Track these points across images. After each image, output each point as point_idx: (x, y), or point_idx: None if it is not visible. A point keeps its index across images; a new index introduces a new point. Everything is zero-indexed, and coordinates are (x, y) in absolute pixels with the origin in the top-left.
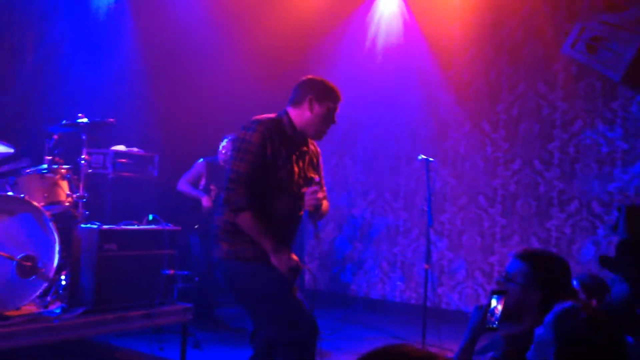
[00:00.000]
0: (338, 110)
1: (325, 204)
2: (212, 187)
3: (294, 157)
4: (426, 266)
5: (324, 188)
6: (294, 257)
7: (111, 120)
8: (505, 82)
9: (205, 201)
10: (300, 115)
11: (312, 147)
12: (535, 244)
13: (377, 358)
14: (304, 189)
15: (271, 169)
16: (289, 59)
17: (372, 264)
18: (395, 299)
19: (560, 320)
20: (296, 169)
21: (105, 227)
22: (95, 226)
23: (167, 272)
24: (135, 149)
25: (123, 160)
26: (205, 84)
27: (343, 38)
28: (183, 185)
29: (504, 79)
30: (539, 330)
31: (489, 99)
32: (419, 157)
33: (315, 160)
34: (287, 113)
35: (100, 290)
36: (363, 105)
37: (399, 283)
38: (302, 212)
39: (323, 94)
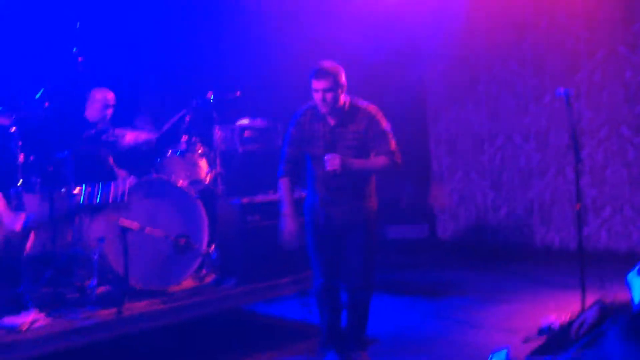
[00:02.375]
0: (319, 89)
1: (375, 160)
2: None
3: (329, 131)
4: (577, 205)
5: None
6: (292, 227)
7: (237, 93)
8: None
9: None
10: None
11: (354, 116)
12: None
13: None
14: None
15: (307, 146)
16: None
17: (507, 210)
18: (535, 245)
19: None
20: (332, 139)
21: (245, 199)
22: (236, 200)
23: None
24: (258, 121)
25: (249, 133)
26: (322, 47)
27: None
28: None
29: None
30: None
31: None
32: (557, 92)
33: (357, 127)
34: None
35: (248, 260)
36: (480, 45)
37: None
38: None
39: (310, 78)
